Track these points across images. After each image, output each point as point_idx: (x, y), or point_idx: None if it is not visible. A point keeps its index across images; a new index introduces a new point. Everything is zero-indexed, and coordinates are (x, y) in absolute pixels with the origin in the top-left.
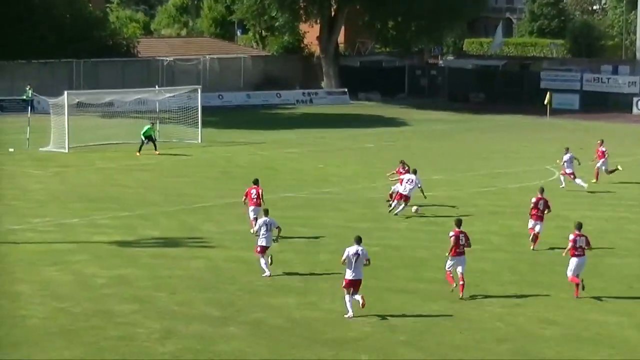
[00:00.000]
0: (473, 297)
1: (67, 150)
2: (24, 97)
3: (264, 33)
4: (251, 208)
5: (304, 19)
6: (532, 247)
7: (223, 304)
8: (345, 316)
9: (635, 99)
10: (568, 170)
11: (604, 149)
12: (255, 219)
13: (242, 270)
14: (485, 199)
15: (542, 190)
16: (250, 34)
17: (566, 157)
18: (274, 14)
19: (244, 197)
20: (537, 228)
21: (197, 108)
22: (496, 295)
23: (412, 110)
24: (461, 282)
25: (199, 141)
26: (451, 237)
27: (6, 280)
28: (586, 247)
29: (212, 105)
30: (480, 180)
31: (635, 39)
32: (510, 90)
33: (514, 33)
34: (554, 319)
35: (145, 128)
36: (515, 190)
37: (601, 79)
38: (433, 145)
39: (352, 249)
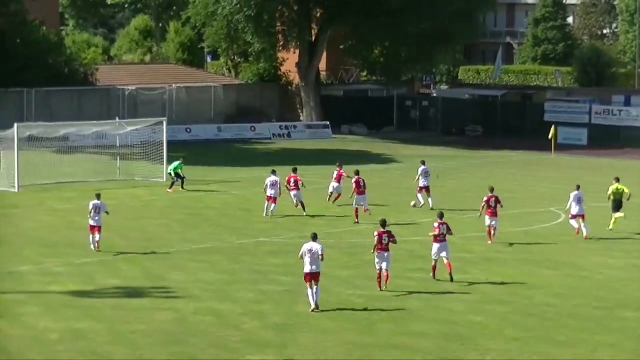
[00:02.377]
0: (465, 351)
1: (17, 189)
2: None
3: (236, 59)
4: (293, 193)
5: (281, 44)
6: (489, 242)
7: None
8: (310, 310)
9: None
10: (421, 184)
11: (342, 172)
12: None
13: (213, 323)
14: (481, 244)
15: (491, 189)
16: (222, 60)
17: (421, 169)
18: (248, 39)
19: (285, 183)
20: (494, 223)
21: (162, 142)
22: (496, 349)
23: (401, 145)
24: (386, 274)
25: (164, 179)
26: (375, 236)
27: None
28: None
29: (178, 139)
30: (475, 223)
31: None
32: (510, 123)
33: (515, 59)
34: None
35: (176, 164)
36: (515, 234)
37: (612, 110)
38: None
39: (307, 245)
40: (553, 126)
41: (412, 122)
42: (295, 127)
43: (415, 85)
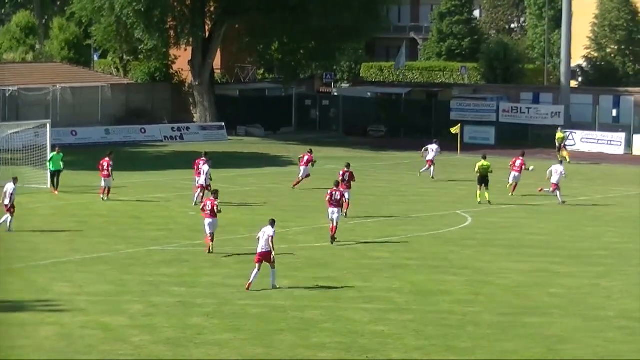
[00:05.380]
0: None
1: None
2: None
3: (125, 57)
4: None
5: (173, 41)
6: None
7: None
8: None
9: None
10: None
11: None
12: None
13: (101, 338)
14: (387, 251)
15: (348, 165)
16: (110, 58)
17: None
18: (139, 36)
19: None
20: (347, 195)
21: (46, 146)
22: None
23: (301, 147)
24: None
25: (49, 186)
26: (327, 195)
27: None
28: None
29: (64, 142)
30: (380, 228)
31: (559, 62)
32: (415, 122)
33: (420, 56)
34: None
35: (53, 156)
36: (422, 239)
37: (520, 108)
38: (323, 187)
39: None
40: (459, 124)
41: (312, 123)
42: (188, 129)
43: (315, 83)
